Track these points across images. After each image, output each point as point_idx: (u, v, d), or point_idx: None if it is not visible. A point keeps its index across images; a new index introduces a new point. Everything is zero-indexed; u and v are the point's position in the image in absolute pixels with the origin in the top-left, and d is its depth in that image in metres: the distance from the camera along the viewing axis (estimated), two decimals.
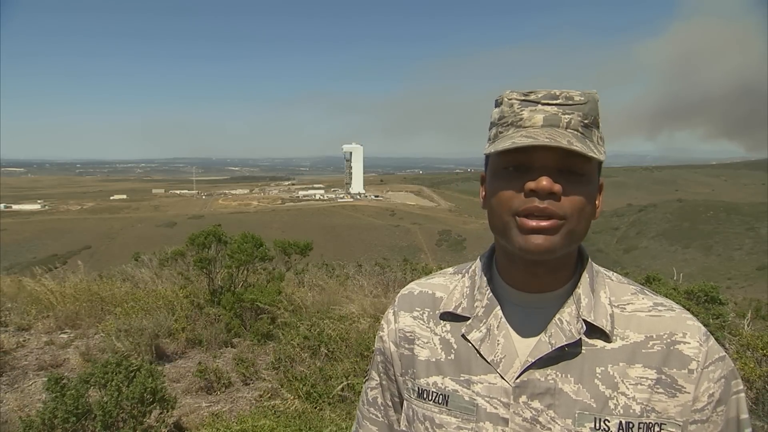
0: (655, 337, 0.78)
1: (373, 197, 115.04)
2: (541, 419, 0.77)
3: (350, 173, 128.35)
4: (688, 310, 0.84)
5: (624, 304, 0.81)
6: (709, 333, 0.80)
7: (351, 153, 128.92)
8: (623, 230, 75.16)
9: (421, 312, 0.93)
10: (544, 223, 0.73)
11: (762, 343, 3.61)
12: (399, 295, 0.99)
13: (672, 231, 69.84)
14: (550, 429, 0.76)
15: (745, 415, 0.80)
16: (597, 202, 0.81)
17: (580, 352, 0.78)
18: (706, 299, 5.07)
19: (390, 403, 0.99)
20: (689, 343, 0.77)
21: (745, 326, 4.40)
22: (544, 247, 0.74)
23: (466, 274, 0.91)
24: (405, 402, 0.92)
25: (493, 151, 0.76)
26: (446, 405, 0.83)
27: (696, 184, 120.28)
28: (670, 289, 5.11)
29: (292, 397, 3.50)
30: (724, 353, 0.80)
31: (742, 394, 0.80)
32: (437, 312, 0.90)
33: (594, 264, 0.86)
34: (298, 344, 4.12)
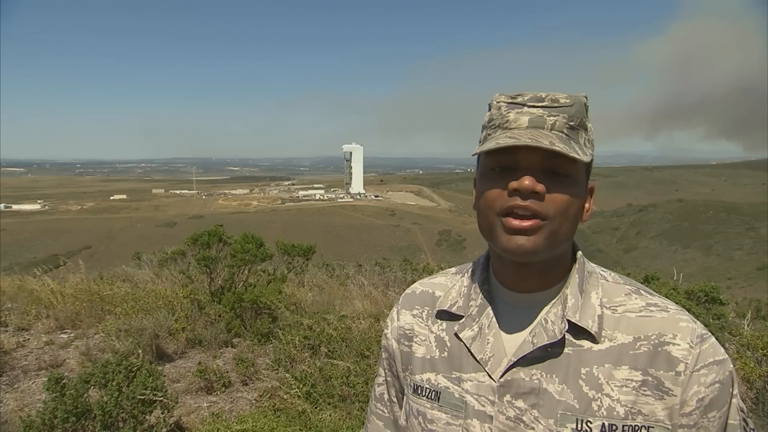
0: (642, 338, 0.77)
1: (373, 197, 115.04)
2: (524, 418, 0.78)
3: (350, 173, 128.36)
4: (689, 310, 0.83)
5: (616, 306, 0.81)
6: (707, 335, 0.77)
7: (351, 153, 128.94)
8: (623, 230, 75.14)
9: (420, 310, 0.95)
10: (526, 223, 0.74)
11: (762, 343, 3.61)
12: (403, 293, 1.02)
13: (672, 231, 69.82)
14: (533, 428, 0.77)
15: (733, 421, 0.78)
16: (587, 205, 0.82)
17: (566, 353, 0.78)
18: (706, 299, 5.07)
19: (395, 399, 1.01)
20: (678, 344, 0.75)
21: (745, 326, 4.41)
22: (526, 248, 0.74)
23: (466, 274, 0.93)
24: (405, 397, 0.95)
25: (478, 152, 0.79)
26: (438, 401, 0.85)
27: (696, 184, 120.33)
28: (670, 290, 5.11)
29: (292, 397, 3.50)
30: (724, 357, 0.77)
31: (736, 399, 0.78)
32: (435, 310, 0.92)
33: (590, 264, 0.86)
34: (298, 344, 4.12)
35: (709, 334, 0.79)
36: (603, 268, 0.88)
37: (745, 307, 6.99)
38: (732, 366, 0.79)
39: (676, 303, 0.84)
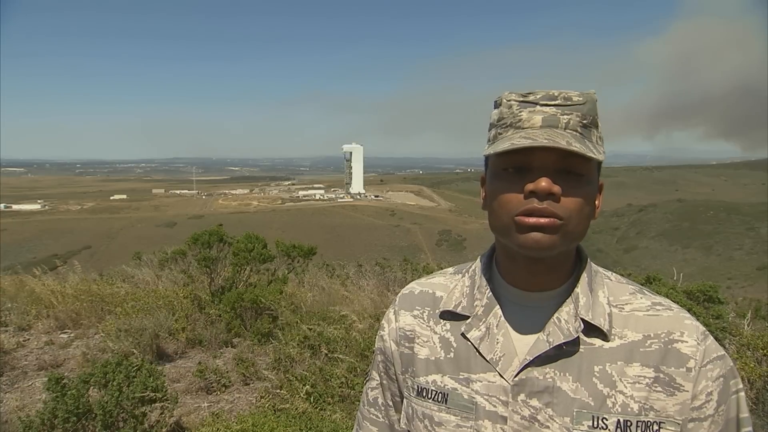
0: (653, 336, 0.78)
1: (373, 197, 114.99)
2: (539, 417, 0.77)
3: (350, 173, 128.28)
4: (689, 310, 0.85)
5: (622, 304, 0.81)
6: (707, 332, 0.80)
7: (351, 153, 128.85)
8: (623, 230, 75.10)
9: (421, 311, 0.93)
10: (543, 220, 0.73)
11: (762, 343, 3.61)
12: (400, 294, 0.99)
13: (672, 231, 69.78)
14: (548, 427, 0.76)
15: (744, 414, 0.79)
16: (597, 202, 0.81)
17: (578, 351, 0.78)
18: (705, 299, 5.06)
19: (391, 403, 0.98)
20: (687, 341, 0.77)
21: (745, 326, 4.40)
22: (543, 244, 0.74)
23: (467, 274, 0.92)
24: (405, 400, 0.93)
25: (492, 152, 0.76)
26: (445, 403, 0.83)
27: (696, 184, 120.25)
28: (669, 289, 5.10)
29: (292, 397, 3.50)
30: (723, 352, 0.79)
31: (742, 393, 0.80)
32: (437, 311, 0.90)
33: (593, 264, 0.86)
34: (298, 344, 4.12)
35: (707, 331, 0.81)
36: (604, 268, 0.88)
37: (745, 307, 6.98)
38: (731, 361, 0.80)
39: (677, 302, 0.85)
